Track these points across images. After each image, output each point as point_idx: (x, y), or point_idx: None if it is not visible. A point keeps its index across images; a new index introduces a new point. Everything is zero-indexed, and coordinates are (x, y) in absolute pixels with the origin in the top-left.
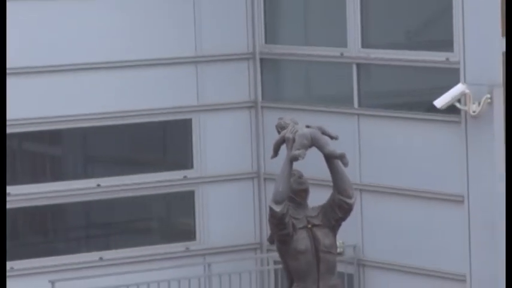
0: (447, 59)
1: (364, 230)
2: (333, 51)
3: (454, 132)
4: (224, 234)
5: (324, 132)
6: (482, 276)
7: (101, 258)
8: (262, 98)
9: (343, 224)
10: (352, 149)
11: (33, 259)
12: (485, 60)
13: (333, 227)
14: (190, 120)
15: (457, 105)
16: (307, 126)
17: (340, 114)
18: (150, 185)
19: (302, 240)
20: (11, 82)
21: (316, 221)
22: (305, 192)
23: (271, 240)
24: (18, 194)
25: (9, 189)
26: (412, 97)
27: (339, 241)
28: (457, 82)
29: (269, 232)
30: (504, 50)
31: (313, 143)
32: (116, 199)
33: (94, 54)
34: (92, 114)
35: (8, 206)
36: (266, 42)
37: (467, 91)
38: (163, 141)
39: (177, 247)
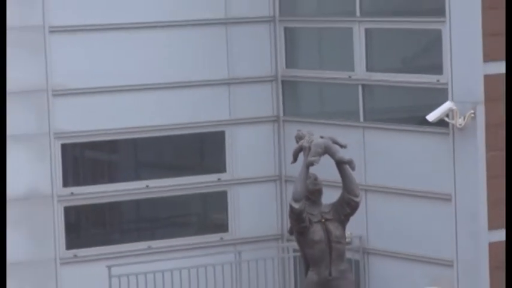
0: (437, 80)
1: (368, 223)
2: (342, 74)
3: (443, 142)
4: (252, 227)
5: (334, 142)
6: (467, 261)
7: (149, 247)
8: (284, 114)
9: (351, 218)
10: (358, 155)
11: (93, 248)
12: (469, 81)
13: (343, 221)
14: (223, 132)
15: (446, 119)
16: (321, 137)
17: (348, 127)
18: (190, 186)
19: (317, 232)
20: (76, 100)
21: (329, 216)
22: (319, 192)
23: (290, 232)
24: (81, 194)
25: (73, 189)
26: (408, 112)
27: (348, 232)
28: (445, 100)
29: (289, 225)
30: (485, 73)
31: (326, 150)
32: (162, 198)
33: (146, 77)
34: (142, 127)
35: (72, 203)
36: (287, 66)
37: (454, 107)
38: (201, 150)
39: (213, 238)
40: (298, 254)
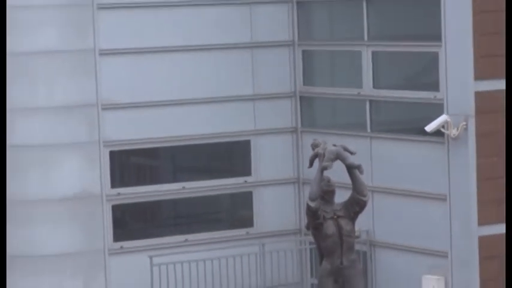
0: (434, 96)
1: (375, 219)
2: (352, 91)
3: (439, 150)
4: (273, 223)
5: (345, 149)
6: (459, 252)
7: (186, 240)
8: (301, 125)
9: (360, 215)
10: (366, 161)
11: (137, 240)
12: (462, 97)
13: (352, 218)
14: (249, 140)
15: (442, 130)
16: (334, 145)
17: (357, 136)
18: (220, 187)
19: (330, 227)
20: (122, 113)
21: (340, 213)
22: (332, 192)
23: (307, 227)
24: (127, 193)
25: (120, 190)
26: (409, 124)
27: (357, 227)
28: (441, 113)
29: (306, 221)
30: (476, 90)
31: (338, 157)
32: (196, 197)
33: (184, 93)
34: (179, 136)
35: (119, 202)
36: (304, 84)
37: (449, 120)
38: (230, 156)
39: (240, 232)
40: (314, 246)
